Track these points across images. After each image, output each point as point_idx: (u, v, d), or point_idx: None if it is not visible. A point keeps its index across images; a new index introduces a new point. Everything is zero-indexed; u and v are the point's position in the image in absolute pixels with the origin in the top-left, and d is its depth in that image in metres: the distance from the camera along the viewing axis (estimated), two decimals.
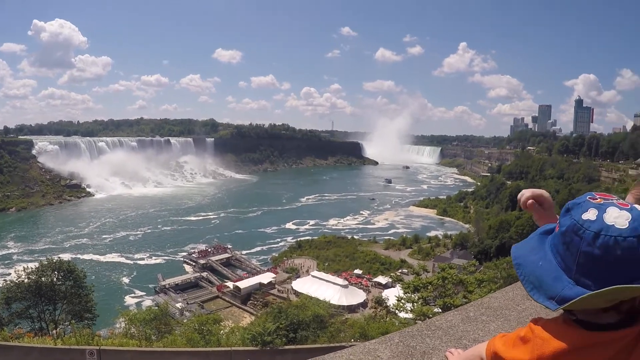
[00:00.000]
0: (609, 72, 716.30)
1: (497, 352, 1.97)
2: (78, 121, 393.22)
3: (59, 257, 41.72)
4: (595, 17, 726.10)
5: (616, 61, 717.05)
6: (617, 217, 1.69)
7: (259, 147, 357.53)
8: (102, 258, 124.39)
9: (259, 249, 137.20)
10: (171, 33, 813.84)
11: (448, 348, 2.94)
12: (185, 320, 39.60)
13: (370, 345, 3.55)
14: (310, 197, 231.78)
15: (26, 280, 35.54)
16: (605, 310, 1.74)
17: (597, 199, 1.81)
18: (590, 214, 1.74)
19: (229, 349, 23.31)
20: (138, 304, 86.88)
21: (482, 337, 3.26)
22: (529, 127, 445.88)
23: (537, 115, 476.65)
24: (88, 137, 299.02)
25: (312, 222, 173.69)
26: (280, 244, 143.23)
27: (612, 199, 1.81)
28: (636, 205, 1.77)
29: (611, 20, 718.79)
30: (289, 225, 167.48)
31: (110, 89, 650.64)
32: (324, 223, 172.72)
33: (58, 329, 33.25)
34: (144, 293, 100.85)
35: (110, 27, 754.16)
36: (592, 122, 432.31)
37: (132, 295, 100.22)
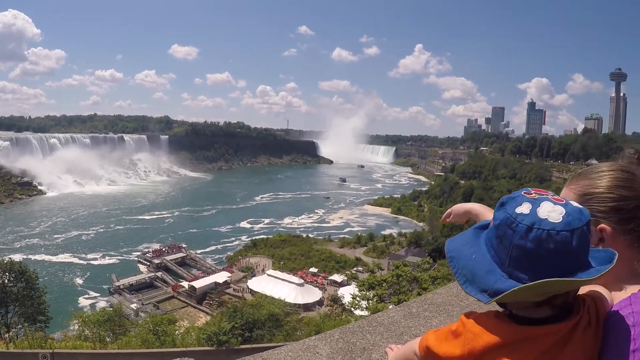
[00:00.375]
0: (561, 76, 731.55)
1: (429, 347, 1.95)
2: (30, 116, 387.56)
3: (9, 258, 41.09)
4: (549, 22, 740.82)
5: (568, 66, 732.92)
6: (551, 211, 1.69)
7: (214, 145, 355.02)
8: (54, 258, 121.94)
9: (213, 248, 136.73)
10: (127, 27, 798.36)
11: (388, 344, 2.99)
12: (140, 321, 39.36)
13: (309, 342, 3.56)
14: (264, 195, 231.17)
15: None
16: (538, 305, 1.74)
17: (532, 194, 1.80)
18: (524, 208, 1.72)
19: (184, 349, 23.41)
20: (92, 306, 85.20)
21: (424, 332, 3.29)
22: (483, 128, 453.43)
23: (490, 117, 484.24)
24: (40, 133, 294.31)
25: (266, 220, 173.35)
26: (235, 243, 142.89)
27: (547, 195, 1.81)
28: (571, 202, 1.78)
29: (563, 26, 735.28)
30: (244, 224, 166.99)
31: (64, 84, 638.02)
32: (279, 222, 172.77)
33: (10, 333, 32.79)
34: (98, 294, 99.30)
35: (65, 20, 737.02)
36: (544, 124, 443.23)
37: (86, 296, 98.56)
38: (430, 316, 3.82)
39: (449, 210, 3.59)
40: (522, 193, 1.83)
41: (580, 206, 1.77)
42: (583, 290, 1.89)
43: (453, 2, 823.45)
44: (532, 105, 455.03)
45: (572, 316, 1.77)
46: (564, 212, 1.70)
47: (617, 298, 1.96)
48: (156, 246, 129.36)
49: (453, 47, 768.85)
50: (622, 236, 2.03)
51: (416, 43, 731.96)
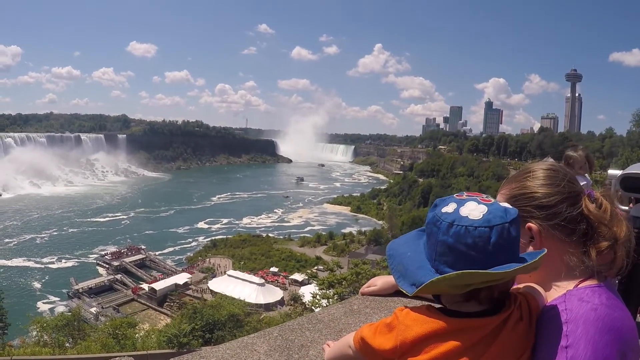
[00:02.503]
0: (517, 77, 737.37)
1: (364, 338, 2.00)
2: None
3: None
4: (506, 23, 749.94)
5: (525, 66, 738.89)
6: (473, 210, 1.79)
7: (172, 145, 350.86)
8: (9, 262, 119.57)
9: (170, 249, 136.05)
10: (84, 23, 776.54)
11: (327, 341, 3.10)
12: (100, 326, 39.22)
13: (247, 340, 3.60)
14: (222, 195, 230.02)
15: None
16: (467, 300, 1.82)
17: (462, 195, 1.91)
18: (450, 208, 1.84)
19: (145, 352, 23.57)
20: (51, 310, 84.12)
21: None
22: (441, 127, 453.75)
23: (448, 116, 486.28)
24: None
25: (225, 221, 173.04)
26: (192, 244, 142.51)
27: (477, 196, 1.90)
28: (500, 202, 1.87)
29: (521, 27, 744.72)
30: (201, 225, 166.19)
31: (19, 81, 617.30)
32: (237, 222, 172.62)
33: None
34: (57, 298, 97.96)
35: (20, 15, 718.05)
36: (501, 123, 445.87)
37: (45, 300, 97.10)
38: (371, 312, 3.79)
39: (372, 280, 3.95)
40: (454, 195, 1.93)
41: (508, 206, 1.86)
42: (519, 288, 2.03)
43: (412, 2, 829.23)
44: (489, 104, 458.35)
45: (502, 311, 1.83)
46: (486, 210, 1.78)
47: (553, 295, 2.03)
48: (113, 248, 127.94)
49: (412, 47, 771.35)
50: (552, 231, 2.07)
51: (375, 43, 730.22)
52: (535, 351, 1.86)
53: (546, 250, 1.84)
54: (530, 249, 2.06)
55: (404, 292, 1.87)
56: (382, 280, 3.78)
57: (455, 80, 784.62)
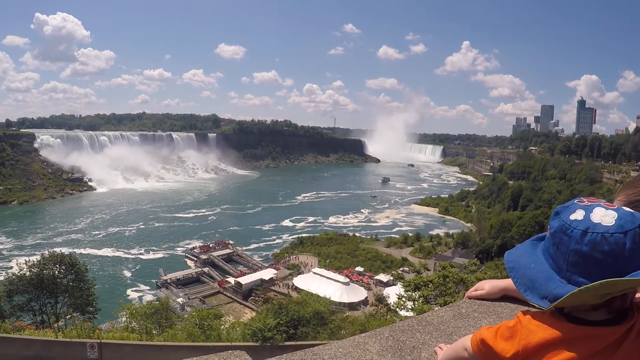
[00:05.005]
0: (611, 74, 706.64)
1: (485, 340, 2.00)
2: (80, 115, 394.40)
3: (61, 251, 41.91)
4: (598, 18, 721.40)
5: (618, 62, 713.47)
6: (604, 216, 1.75)
7: (261, 143, 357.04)
8: (99, 252, 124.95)
9: (255, 245, 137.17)
10: (174, 27, 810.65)
11: (438, 343, 3.00)
12: (186, 315, 39.66)
13: (359, 339, 3.53)
14: (308, 194, 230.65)
15: (28, 274, 35.67)
16: (595, 308, 1.78)
17: (584, 202, 1.87)
18: (578, 215, 1.80)
19: (229, 344, 23.33)
20: (140, 298, 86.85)
21: (473, 332, 3.29)
22: (532, 127, 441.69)
23: (539, 115, 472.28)
24: (90, 131, 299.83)
25: (310, 219, 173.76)
26: (276, 241, 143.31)
27: (599, 202, 1.86)
28: (623, 207, 1.82)
29: (613, 22, 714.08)
30: (286, 222, 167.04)
31: (113, 83, 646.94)
32: (323, 221, 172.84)
33: (59, 322, 33.42)
34: (147, 287, 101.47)
35: (113, 21, 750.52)
36: (594, 123, 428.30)
37: (135, 289, 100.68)
38: (479, 317, 3.66)
39: (479, 284, 3.67)
40: (575, 201, 1.90)
41: (632, 210, 1.81)
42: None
43: None
44: (582, 103, 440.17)
45: (626, 320, 1.78)
46: (616, 215, 1.75)
47: None
48: (199, 243, 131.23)
49: (501, 44, 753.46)
50: None
51: (463, 40, 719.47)
52: None
53: None
54: None
55: (536, 305, 1.85)
56: (490, 285, 3.58)
57: (546, 78, 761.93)
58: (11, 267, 74.90)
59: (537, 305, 1.84)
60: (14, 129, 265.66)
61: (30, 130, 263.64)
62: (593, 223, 1.74)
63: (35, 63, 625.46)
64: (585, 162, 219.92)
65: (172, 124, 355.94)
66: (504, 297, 3.53)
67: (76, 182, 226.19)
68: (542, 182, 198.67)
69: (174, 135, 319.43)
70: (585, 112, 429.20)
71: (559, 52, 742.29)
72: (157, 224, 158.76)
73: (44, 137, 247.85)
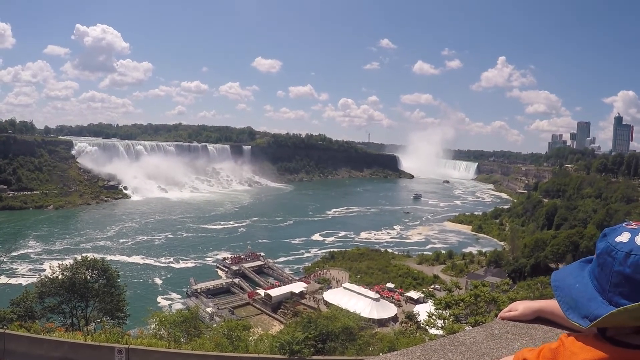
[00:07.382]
0: None
1: None
2: (117, 124, 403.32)
3: (93, 256, 42.30)
4: (634, 33, 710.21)
5: None
6: None
7: (295, 157, 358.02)
8: (132, 259, 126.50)
9: (283, 259, 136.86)
10: (212, 40, 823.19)
11: None
12: (214, 325, 39.62)
13: (391, 357, 3.38)
14: (339, 209, 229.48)
15: (60, 277, 36.10)
16: (638, 332, 1.79)
17: (632, 225, 1.88)
18: (624, 237, 1.82)
19: (256, 355, 23.19)
20: (170, 306, 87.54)
21: (505, 355, 3.06)
22: (567, 144, 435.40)
23: (575, 132, 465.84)
24: (127, 140, 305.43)
25: (341, 234, 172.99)
26: (305, 255, 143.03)
27: None
28: None
29: None
30: (316, 237, 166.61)
31: (150, 94, 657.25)
32: (354, 236, 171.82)
33: (89, 326, 33.57)
34: (177, 296, 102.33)
35: (152, 34, 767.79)
36: (631, 140, 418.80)
37: (165, 296, 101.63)
38: (512, 338, 3.53)
39: (512, 305, 3.57)
40: (624, 224, 1.91)
41: None
42: None
43: (535, 14, 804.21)
44: (619, 120, 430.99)
45: None
46: None
47: None
48: (227, 254, 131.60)
49: (536, 59, 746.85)
50: None
51: (499, 56, 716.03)
52: None
53: None
54: None
55: (576, 325, 1.88)
56: (523, 306, 3.52)
57: (582, 94, 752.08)
58: (43, 270, 76.21)
59: (577, 325, 1.86)
60: (52, 135, 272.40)
61: (68, 138, 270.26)
62: (637, 246, 1.75)
63: (75, 72, 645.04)
64: (622, 181, 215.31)
65: (207, 136, 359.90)
66: (538, 318, 3.45)
67: (111, 190, 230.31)
68: (578, 201, 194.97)
69: (209, 146, 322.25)
70: (622, 129, 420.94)
71: (596, 68, 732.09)
72: (185, 234, 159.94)
73: (81, 145, 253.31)
